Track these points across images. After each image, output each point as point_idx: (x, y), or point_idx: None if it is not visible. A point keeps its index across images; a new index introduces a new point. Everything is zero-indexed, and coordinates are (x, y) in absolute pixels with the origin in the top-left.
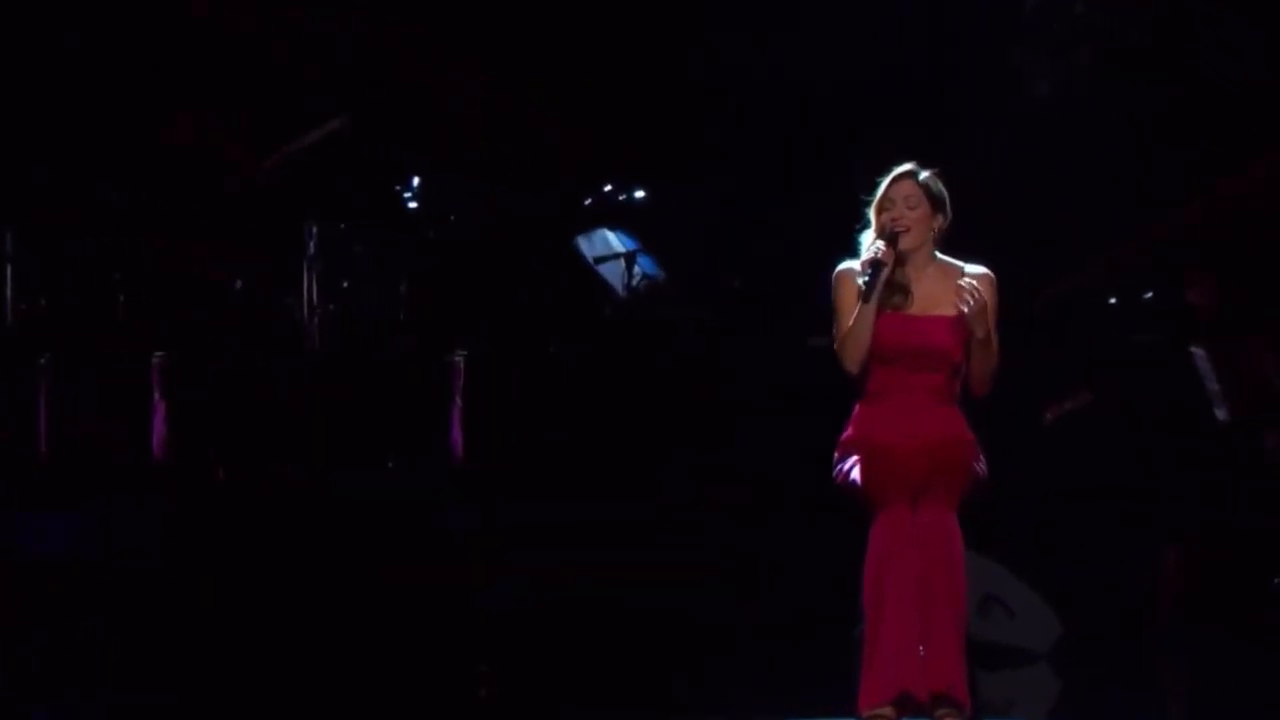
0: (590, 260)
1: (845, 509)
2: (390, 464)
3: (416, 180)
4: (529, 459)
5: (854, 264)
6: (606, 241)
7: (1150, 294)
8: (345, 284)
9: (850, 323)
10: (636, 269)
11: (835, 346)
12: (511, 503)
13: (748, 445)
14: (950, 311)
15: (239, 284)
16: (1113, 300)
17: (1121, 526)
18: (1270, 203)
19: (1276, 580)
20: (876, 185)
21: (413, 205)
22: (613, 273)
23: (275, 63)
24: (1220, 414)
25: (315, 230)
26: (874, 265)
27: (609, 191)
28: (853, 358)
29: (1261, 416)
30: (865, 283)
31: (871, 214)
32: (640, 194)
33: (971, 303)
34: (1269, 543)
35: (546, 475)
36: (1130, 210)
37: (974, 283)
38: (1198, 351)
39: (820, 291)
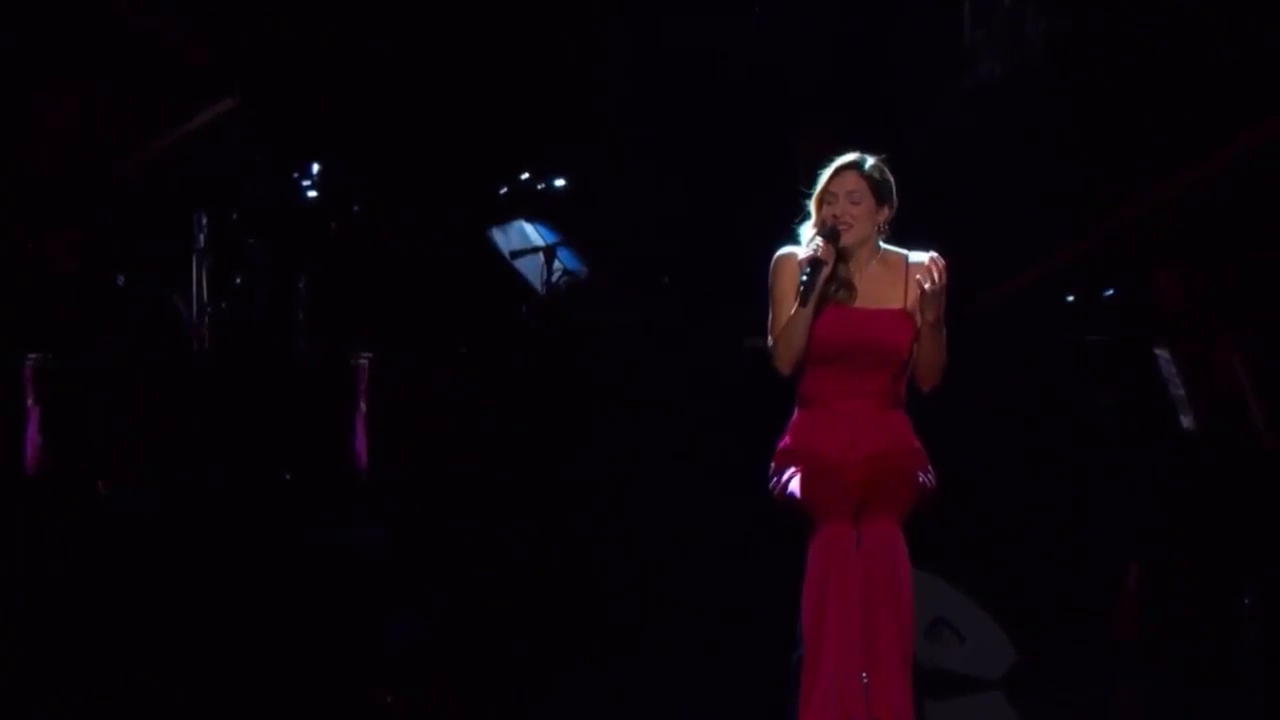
0: (506, 255)
1: (782, 524)
2: (287, 476)
3: (316, 167)
4: (440, 470)
5: (795, 249)
6: (524, 234)
7: (1110, 291)
8: (238, 279)
9: (785, 314)
10: (556, 264)
11: (769, 342)
12: (421, 518)
13: (678, 454)
14: (895, 304)
15: (121, 279)
16: (1069, 298)
17: (1080, 543)
18: (1240, 187)
19: (1247, 599)
20: (817, 176)
21: (312, 194)
22: (530, 268)
23: (157, 36)
24: (1185, 421)
25: (204, 220)
26: (812, 264)
27: (526, 180)
28: (786, 358)
29: (1229, 423)
30: (803, 283)
31: (813, 207)
32: (561, 182)
33: (936, 279)
34: (1238, 558)
35: (460, 488)
36: (1089, 200)
37: (935, 260)
38: (1161, 354)
39: (758, 289)
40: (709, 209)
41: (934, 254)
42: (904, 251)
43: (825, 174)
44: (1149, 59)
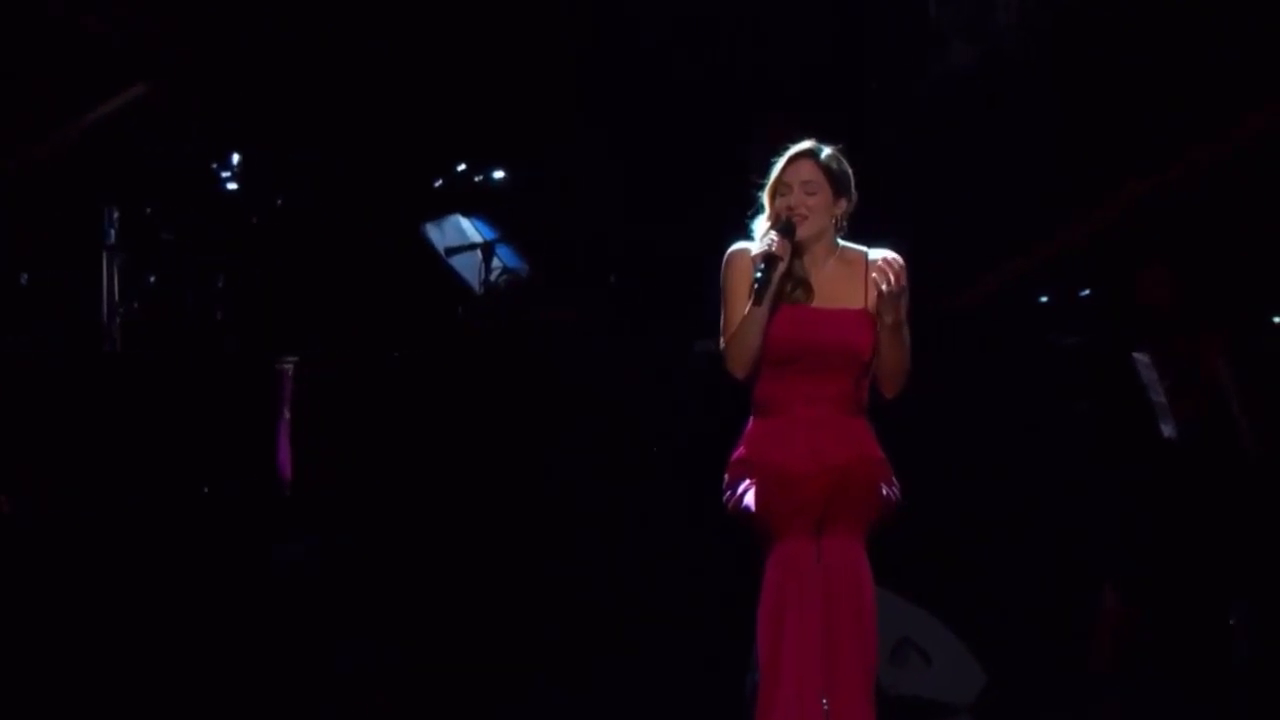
0: (441, 251)
1: (737, 539)
2: (206, 489)
3: (236, 157)
4: (371, 482)
5: (749, 245)
6: (460, 230)
7: (1087, 291)
8: (152, 278)
9: (738, 313)
10: (495, 261)
11: (722, 343)
12: (352, 534)
13: (626, 464)
14: (856, 303)
15: (25, 277)
16: (1043, 299)
17: (1054, 559)
18: (1225, 181)
19: (1233, 620)
20: (771, 166)
21: (232, 186)
22: (467, 266)
23: (67, 18)
24: (1166, 429)
25: (116, 215)
26: (767, 261)
27: (463, 172)
28: (740, 360)
29: (1213, 432)
30: (757, 280)
31: (765, 199)
32: (500, 175)
33: (892, 281)
34: (1223, 577)
35: (393, 501)
36: (1065, 194)
37: (894, 261)
38: (1141, 358)
39: (710, 287)
40: (659, 203)
41: (891, 254)
42: (864, 249)
43: (779, 163)
44: (1132, 44)
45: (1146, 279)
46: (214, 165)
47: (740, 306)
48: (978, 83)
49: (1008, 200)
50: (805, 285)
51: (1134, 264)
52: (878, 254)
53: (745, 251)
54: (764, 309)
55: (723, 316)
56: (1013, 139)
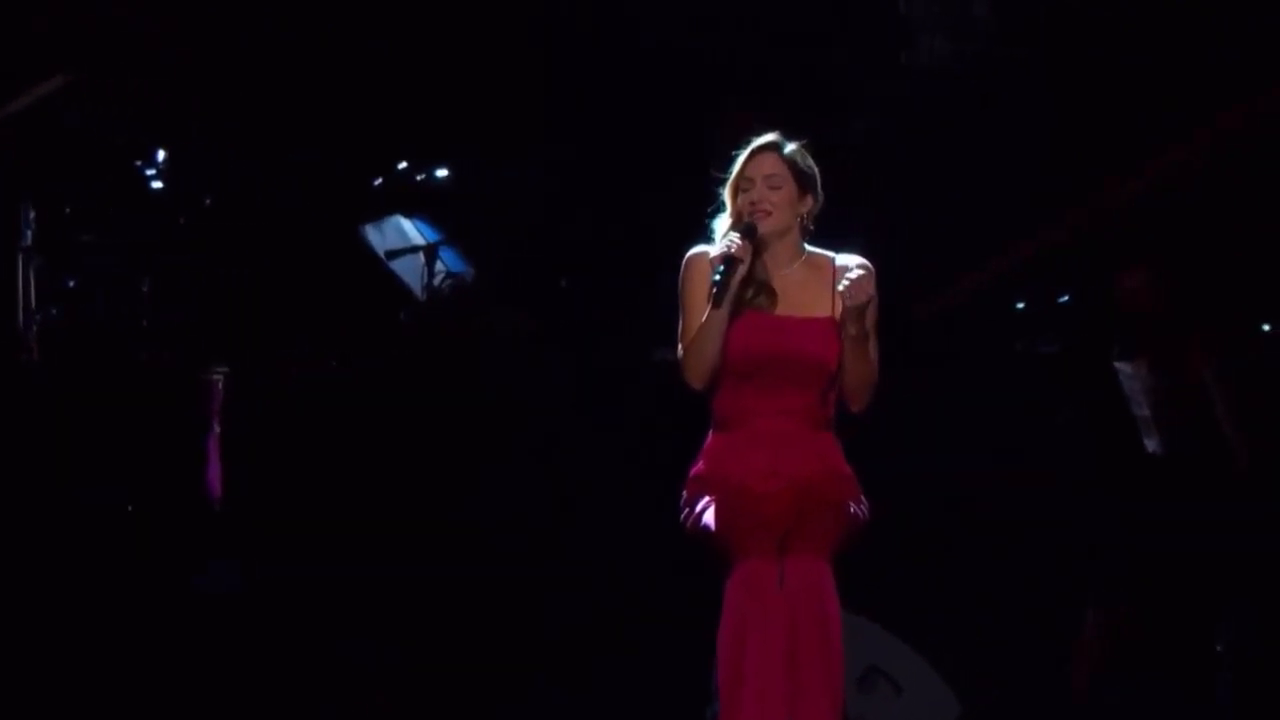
0: (381, 255)
1: (695, 560)
2: (130, 508)
3: (162, 153)
4: (308, 501)
5: (708, 249)
6: (401, 232)
7: (1066, 297)
8: (71, 282)
9: (697, 321)
10: (439, 265)
11: (679, 352)
12: (286, 557)
13: (577, 480)
14: (822, 312)
15: None
16: (1019, 305)
17: (1032, 582)
18: (1219, 177)
19: (1220, 646)
20: (733, 160)
21: (157, 185)
22: (409, 270)
23: None
24: (1150, 444)
25: (32, 215)
26: (726, 262)
27: (405, 170)
28: (698, 370)
29: (1199, 446)
30: (715, 282)
31: (726, 195)
32: (443, 173)
33: (854, 290)
34: (1210, 600)
35: (331, 521)
36: (1043, 194)
37: (861, 267)
38: (1123, 368)
39: (667, 294)
40: (613, 203)
41: (860, 260)
42: (831, 254)
43: (741, 157)
44: (1114, 36)
45: (1128, 282)
46: (138, 162)
47: (698, 315)
48: (951, 79)
49: (982, 200)
50: (768, 291)
51: (1116, 267)
52: (846, 260)
53: (704, 255)
54: (723, 312)
55: (680, 325)
56: (988, 136)
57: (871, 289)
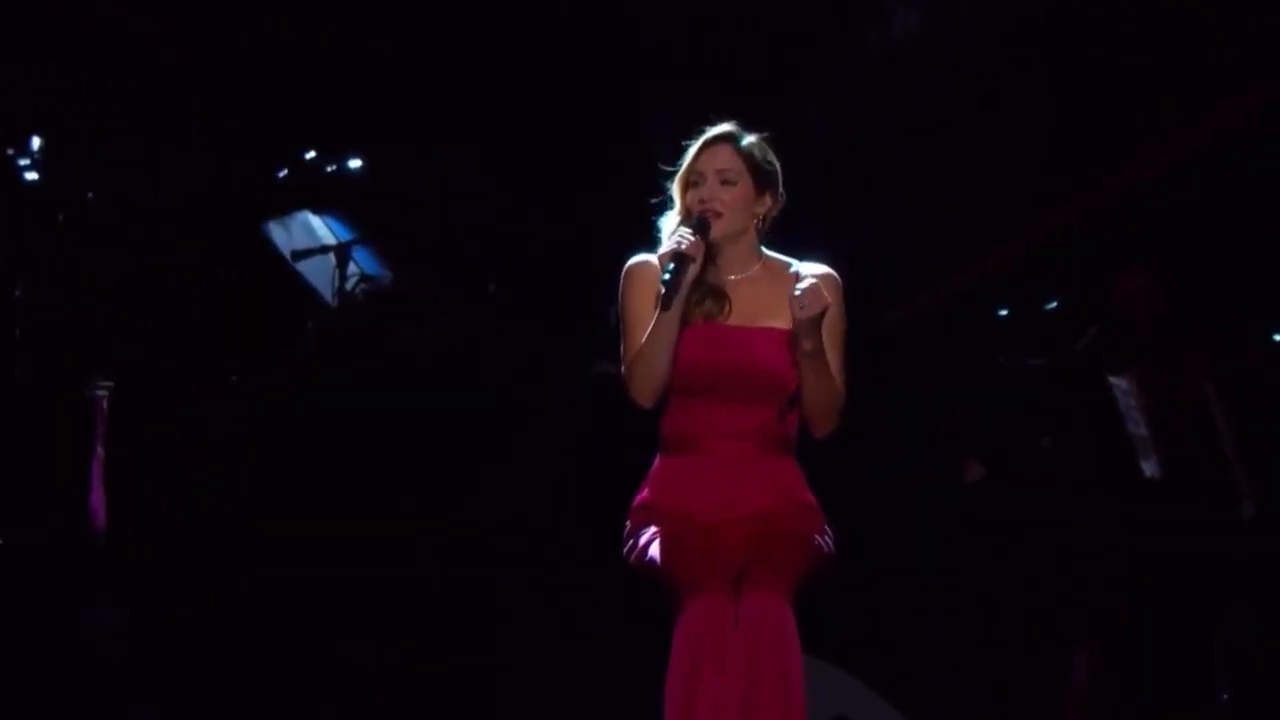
0: (287, 255)
1: (641, 598)
2: (1, 540)
3: (37, 141)
4: (203, 530)
5: (651, 258)
6: (309, 230)
7: (1054, 304)
8: None
9: (643, 335)
10: (352, 267)
11: (624, 369)
12: (177, 594)
13: (508, 509)
14: (782, 323)
15: None
16: (1001, 312)
17: (1018, 622)
18: (1220, 172)
19: (1225, 695)
20: (683, 152)
21: (32, 176)
22: (318, 272)
23: None
24: (1148, 467)
25: None
26: (676, 260)
27: (313, 159)
28: (647, 385)
29: (1201, 470)
30: (664, 282)
31: (675, 190)
32: (357, 163)
33: (806, 301)
34: (1212, 643)
35: (228, 553)
36: (1028, 190)
37: (823, 277)
38: (1118, 383)
39: (608, 298)
40: (547, 199)
41: (827, 269)
42: (791, 260)
43: (692, 149)
44: (1107, 17)
45: (1125, 284)
46: (9, 151)
47: (643, 329)
48: (926, 58)
49: (959, 197)
50: (720, 299)
51: (1110, 268)
52: (809, 269)
53: (646, 265)
54: (673, 315)
55: (623, 343)
56: (966, 124)
57: (826, 300)
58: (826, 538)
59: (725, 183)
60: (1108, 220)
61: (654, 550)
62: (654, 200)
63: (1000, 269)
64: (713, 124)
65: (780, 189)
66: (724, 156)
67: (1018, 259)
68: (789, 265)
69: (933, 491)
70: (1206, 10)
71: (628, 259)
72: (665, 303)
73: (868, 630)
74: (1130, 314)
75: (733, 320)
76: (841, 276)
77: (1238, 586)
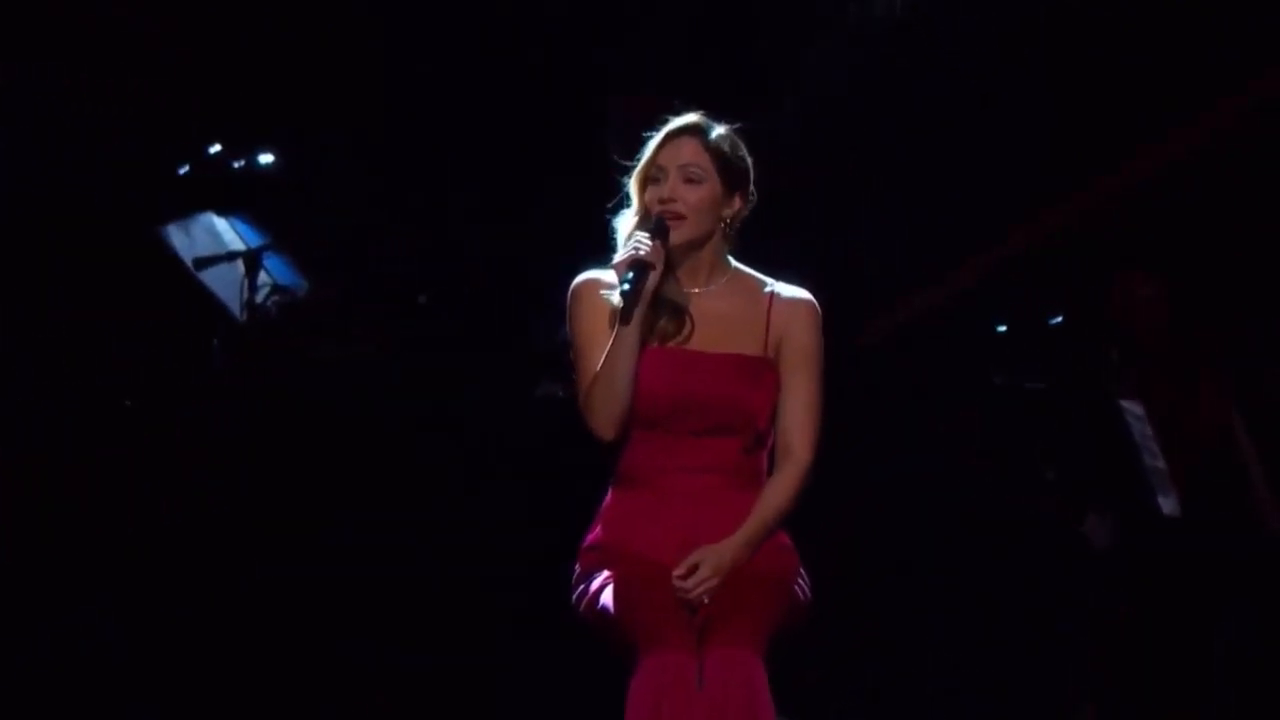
0: (188, 263)
1: (591, 651)
2: None
3: None
4: (91, 576)
5: (601, 274)
6: (214, 234)
7: (1058, 318)
8: None
9: (601, 359)
10: (263, 276)
11: (579, 399)
12: (65, 647)
13: (440, 549)
14: (751, 347)
15: None
16: (1000, 328)
17: (1018, 676)
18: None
19: (1220, 646)
20: (643, 145)
21: None
22: (225, 282)
23: None
24: (1166, 504)
25: None
26: (636, 269)
27: (218, 154)
28: (608, 412)
29: (1225, 507)
30: (623, 293)
31: (633, 188)
32: (268, 158)
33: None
34: (1236, 698)
35: (121, 602)
36: (1026, 187)
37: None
38: (1131, 407)
39: (555, 313)
40: (487, 201)
41: (805, 295)
42: (764, 278)
43: (653, 142)
44: (1106, 16)
45: (1137, 291)
46: None
47: (598, 351)
48: (912, 41)
49: (947, 195)
50: (679, 317)
51: (1119, 274)
52: (785, 292)
53: (596, 283)
54: (634, 330)
55: (577, 370)
56: (961, 122)
57: (712, 583)
58: (802, 582)
59: (689, 180)
60: (1109, 223)
61: (606, 597)
62: (609, 204)
63: (996, 273)
64: (677, 114)
65: (751, 188)
66: (689, 151)
67: (1015, 262)
68: (764, 284)
69: (931, 492)
70: (1207, 9)
71: (576, 270)
72: (625, 315)
73: (847, 684)
74: (1143, 325)
75: (695, 343)
76: (821, 293)
77: (1238, 586)
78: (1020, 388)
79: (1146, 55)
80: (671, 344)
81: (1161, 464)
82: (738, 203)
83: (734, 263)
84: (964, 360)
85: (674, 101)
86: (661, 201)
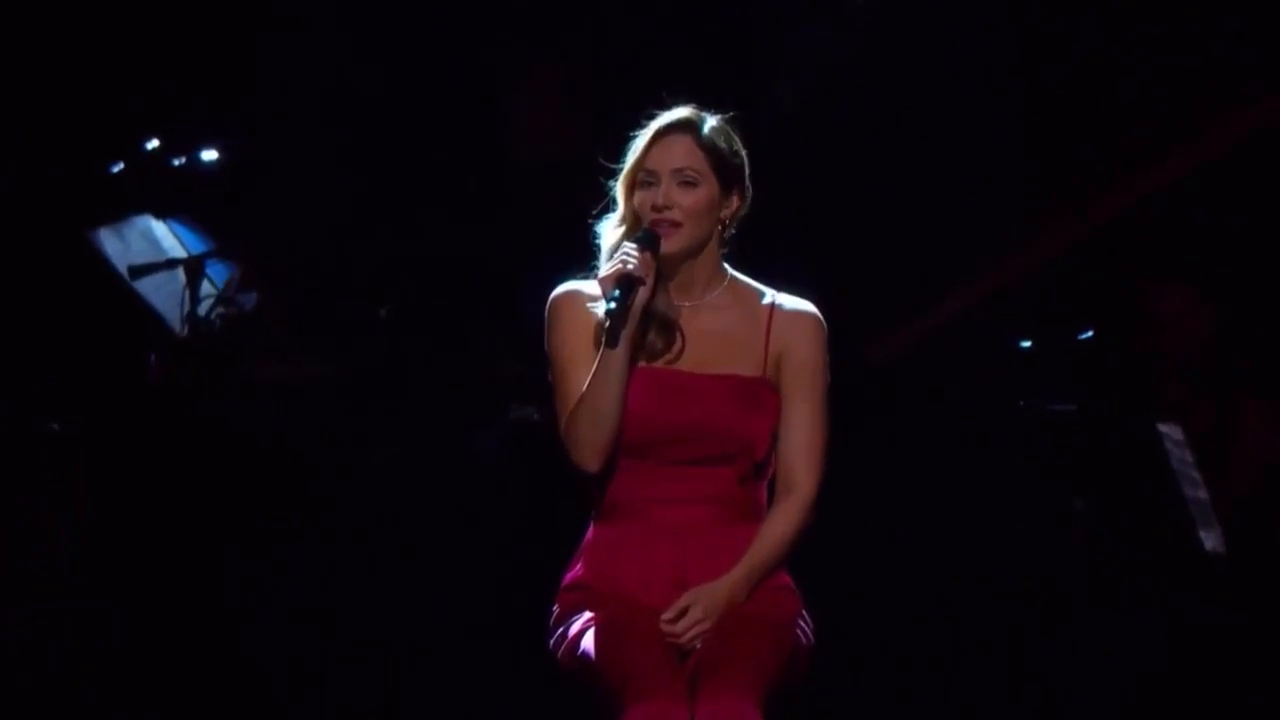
0: (123, 271)
1: (570, 700)
2: None
3: None
4: (23, 612)
5: (582, 285)
6: (151, 239)
7: (1088, 333)
8: None
9: (586, 383)
10: (206, 286)
11: (559, 426)
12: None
13: (404, 588)
14: (748, 367)
15: None
16: (1024, 344)
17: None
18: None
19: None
20: (628, 143)
21: None
22: (163, 293)
23: None
24: (1209, 540)
25: None
26: (623, 284)
27: (156, 150)
28: (593, 443)
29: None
30: (610, 312)
31: (619, 192)
32: (211, 155)
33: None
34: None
35: (51, 638)
36: (1051, 187)
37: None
38: (1169, 431)
39: (530, 327)
40: (453, 203)
41: (809, 309)
42: (763, 288)
43: (641, 140)
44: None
45: (1164, 305)
46: None
47: (582, 370)
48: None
49: (963, 194)
50: (670, 334)
51: (1151, 283)
52: (789, 304)
53: (577, 296)
54: (622, 353)
55: (557, 395)
56: (976, 107)
57: (704, 627)
58: (805, 626)
59: (685, 184)
60: (1144, 227)
61: (587, 642)
62: (593, 210)
63: (1019, 282)
64: (667, 107)
65: (747, 184)
66: (683, 151)
67: (1040, 269)
68: (763, 294)
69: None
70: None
71: (553, 284)
72: (611, 337)
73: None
74: (1168, 341)
75: (686, 363)
76: (826, 308)
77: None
78: (1046, 410)
79: (1183, 48)
80: (661, 363)
81: (1203, 494)
82: (735, 202)
83: (731, 270)
84: (984, 380)
85: (663, 94)
86: (655, 209)
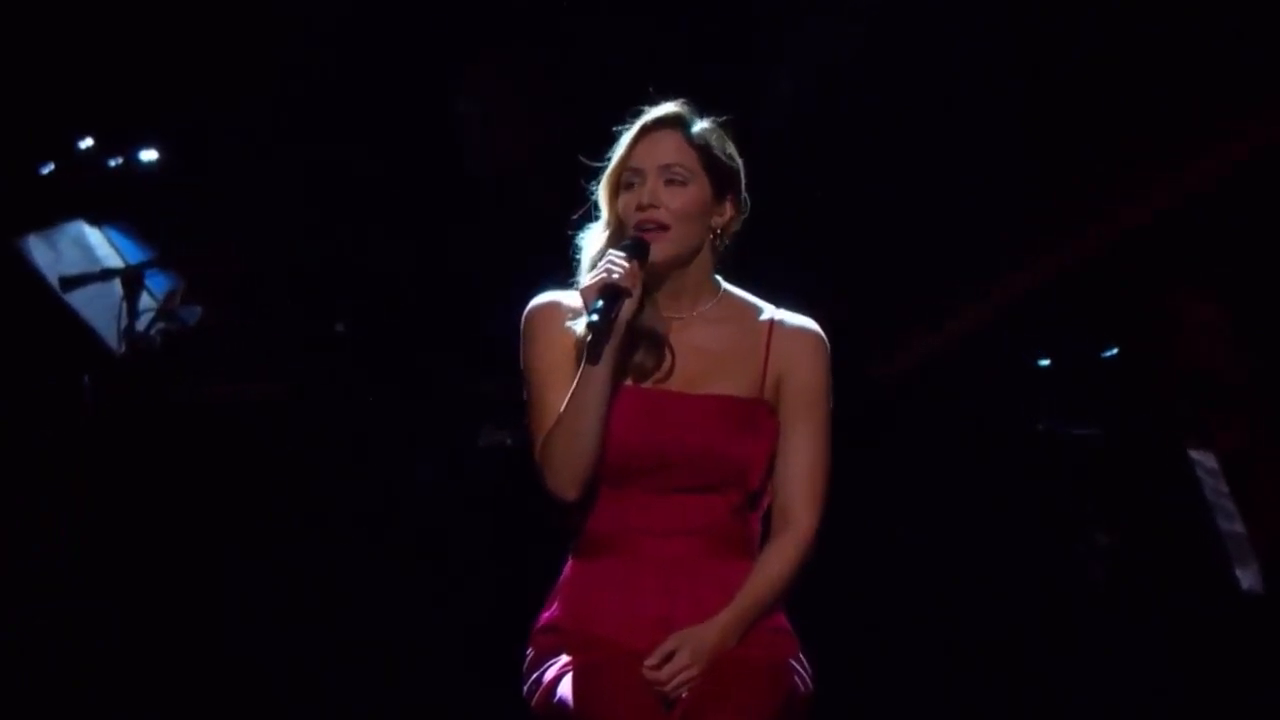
0: (53, 283)
1: None
2: None
3: None
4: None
5: (563, 295)
6: (85, 247)
7: (1113, 350)
8: None
9: (564, 402)
10: (145, 299)
11: (534, 449)
12: None
13: (366, 628)
14: (744, 387)
15: None
16: (1042, 361)
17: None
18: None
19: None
20: (614, 140)
21: None
22: (99, 307)
23: None
24: (1246, 578)
25: None
26: (608, 295)
27: (90, 150)
28: (570, 468)
29: None
30: (592, 325)
31: (602, 195)
32: (151, 155)
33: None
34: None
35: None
36: (1049, 188)
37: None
38: (1201, 458)
39: (500, 343)
40: (415, 206)
41: (811, 327)
42: (761, 303)
43: (625, 139)
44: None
45: (1182, 314)
46: None
47: (558, 393)
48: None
49: (970, 199)
50: (659, 350)
51: (1175, 296)
52: (789, 320)
53: (555, 307)
54: (604, 371)
55: (531, 414)
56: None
57: (691, 674)
58: (802, 671)
59: (672, 183)
60: (1171, 235)
61: (564, 689)
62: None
63: (1037, 295)
64: (653, 104)
65: (744, 193)
66: (670, 148)
67: (1060, 282)
68: (760, 310)
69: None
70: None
71: (530, 295)
72: (593, 353)
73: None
74: (1195, 358)
75: (676, 382)
76: (829, 323)
77: None
78: (1066, 434)
79: (1205, 53)
80: (648, 383)
81: (1239, 528)
82: (729, 210)
83: (724, 284)
84: (1000, 402)
85: (650, 89)
86: (639, 208)
